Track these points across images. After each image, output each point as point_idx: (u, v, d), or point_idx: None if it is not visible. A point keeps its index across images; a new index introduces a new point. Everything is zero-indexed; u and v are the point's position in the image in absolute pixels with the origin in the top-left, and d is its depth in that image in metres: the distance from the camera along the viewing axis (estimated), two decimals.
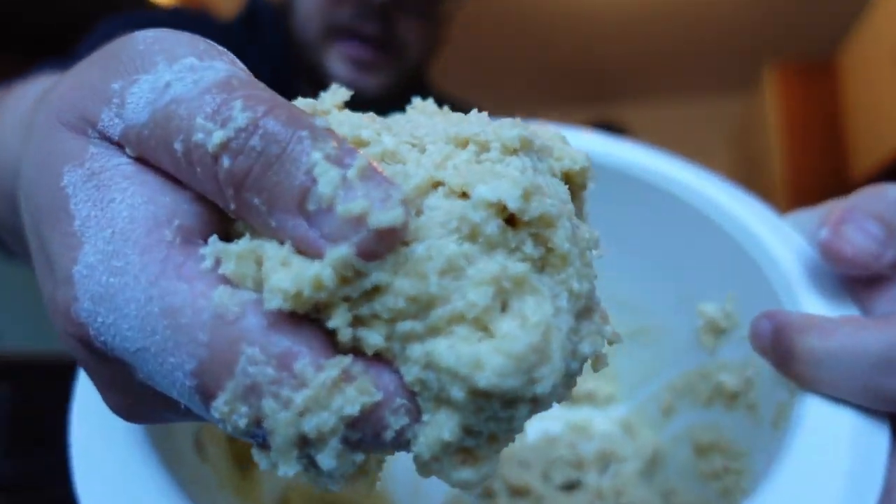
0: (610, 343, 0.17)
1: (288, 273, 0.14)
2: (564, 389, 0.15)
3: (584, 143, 0.31)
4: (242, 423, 0.14)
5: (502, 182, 0.15)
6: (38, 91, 0.29)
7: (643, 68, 3.48)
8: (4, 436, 1.56)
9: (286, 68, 0.61)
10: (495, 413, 0.14)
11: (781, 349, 0.20)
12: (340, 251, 0.13)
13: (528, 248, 0.15)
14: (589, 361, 0.16)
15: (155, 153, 0.15)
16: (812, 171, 2.66)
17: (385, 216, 0.14)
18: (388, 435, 0.14)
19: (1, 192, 0.33)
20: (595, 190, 0.21)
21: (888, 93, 2.23)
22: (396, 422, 0.14)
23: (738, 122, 3.65)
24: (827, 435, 0.19)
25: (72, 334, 0.16)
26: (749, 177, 3.22)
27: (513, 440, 0.16)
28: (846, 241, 0.20)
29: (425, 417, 0.14)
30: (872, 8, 2.38)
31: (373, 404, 0.14)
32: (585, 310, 0.16)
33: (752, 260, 0.26)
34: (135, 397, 0.17)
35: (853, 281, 0.21)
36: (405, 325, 0.14)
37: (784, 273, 0.24)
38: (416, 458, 0.15)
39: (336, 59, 0.56)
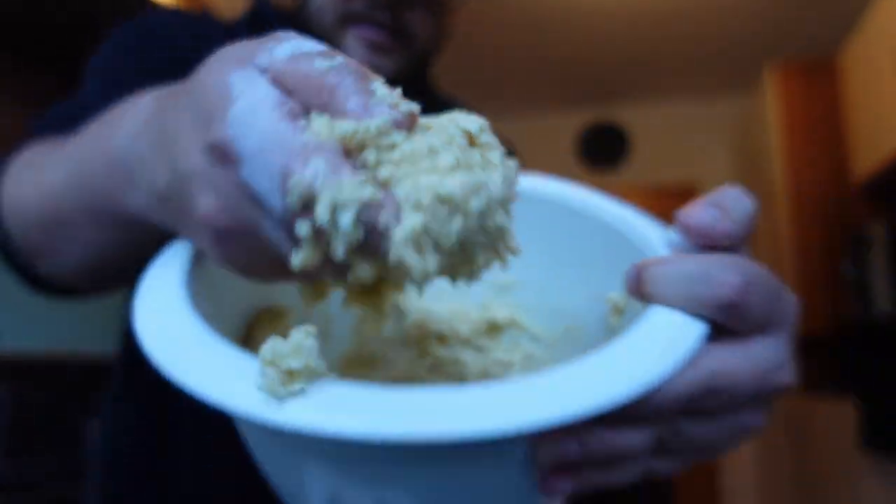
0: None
1: (349, 124, 0.25)
2: (493, 232, 0.25)
3: None
4: (296, 199, 0.24)
5: (472, 118, 0.27)
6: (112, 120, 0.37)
7: (643, 68, 3.48)
8: (4, 436, 1.56)
9: None
10: (448, 221, 0.24)
11: (635, 279, 0.29)
12: (384, 117, 0.25)
13: (476, 156, 0.26)
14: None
15: (283, 78, 0.26)
16: (813, 171, 2.66)
17: (408, 105, 0.26)
18: (382, 219, 0.23)
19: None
20: (524, 217, 0.30)
21: (889, 93, 2.23)
22: (387, 216, 0.23)
23: (739, 121, 3.64)
24: (657, 325, 0.27)
25: (216, 153, 0.26)
26: (749, 176, 3.22)
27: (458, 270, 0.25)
28: (692, 217, 0.29)
29: (404, 216, 0.24)
30: (873, 8, 2.38)
31: (376, 199, 0.24)
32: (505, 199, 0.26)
33: (638, 249, 0.33)
34: (236, 215, 0.26)
35: (702, 249, 0.30)
36: (405, 167, 0.24)
37: (655, 250, 0.32)
38: (393, 245, 0.23)
39: (352, 41, 0.60)
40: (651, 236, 0.34)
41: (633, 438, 0.27)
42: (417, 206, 0.23)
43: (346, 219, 0.23)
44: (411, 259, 0.23)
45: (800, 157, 2.68)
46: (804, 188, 2.65)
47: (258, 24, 0.66)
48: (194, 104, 0.27)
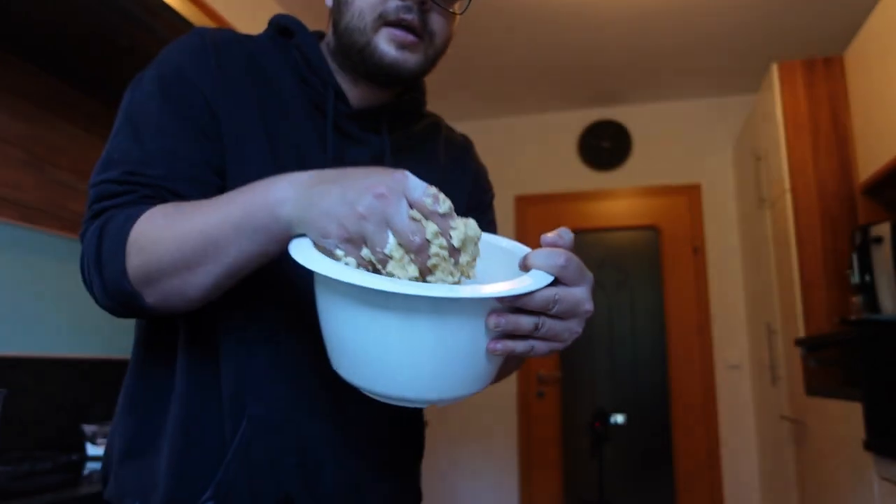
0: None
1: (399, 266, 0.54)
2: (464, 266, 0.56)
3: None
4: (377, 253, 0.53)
5: (456, 233, 0.54)
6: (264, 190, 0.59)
7: (647, 68, 3.47)
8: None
9: (314, 79, 0.78)
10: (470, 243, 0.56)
11: (523, 261, 0.57)
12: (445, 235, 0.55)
13: (465, 257, 0.56)
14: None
15: (415, 205, 0.55)
16: (818, 170, 2.64)
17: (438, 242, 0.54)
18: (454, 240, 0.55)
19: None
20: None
21: (895, 93, 2.22)
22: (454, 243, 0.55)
23: (743, 121, 3.63)
24: (533, 275, 0.55)
25: (381, 198, 0.52)
26: (755, 175, 3.20)
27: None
28: (547, 238, 0.57)
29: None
30: (880, 6, 2.36)
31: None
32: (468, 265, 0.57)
33: (518, 255, 0.60)
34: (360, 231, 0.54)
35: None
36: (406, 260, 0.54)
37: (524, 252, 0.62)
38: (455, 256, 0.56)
39: (384, 40, 0.75)
40: (525, 249, 0.63)
41: (525, 320, 0.55)
42: (461, 241, 0.55)
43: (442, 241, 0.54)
44: (463, 257, 0.56)
45: (805, 156, 2.67)
46: (809, 188, 2.64)
47: (281, 38, 0.81)
48: (359, 181, 0.54)
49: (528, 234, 3.95)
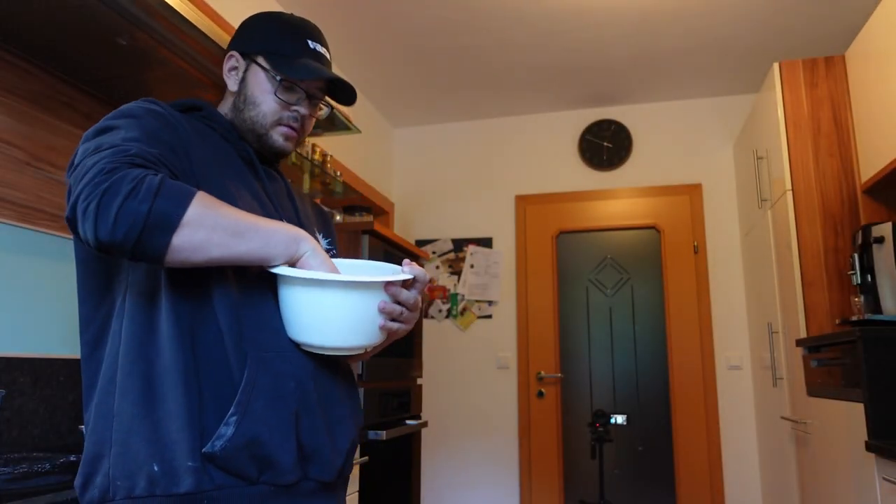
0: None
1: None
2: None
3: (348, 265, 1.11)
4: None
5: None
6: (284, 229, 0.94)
7: (647, 68, 3.46)
8: None
9: (234, 140, 1.13)
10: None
11: (403, 267, 1.03)
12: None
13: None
14: None
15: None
16: (819, 170, 2.64)
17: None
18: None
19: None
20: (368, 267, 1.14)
21: None
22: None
23: (746, 119, 3.62)
24: (404, 272, 1.00)
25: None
26: (756, 174, 3.20)
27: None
28: (409, 264, 1.02)
29: None
30: (881, 6, 2.36)
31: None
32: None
33: (396, 271, 1.05)
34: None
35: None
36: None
37: (399, 270, 1.04)
38: None
39: (277, 134, 1.13)
40: (396, 268, 1.04)
41: (397, 307, 0.97)
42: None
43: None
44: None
45: (806, 156, 2.66)
46: (810, 187, 2.63)
47: (196, 109, 1.12)
48: (314, 248, 0.95)
49: (528, 234, 3.95)
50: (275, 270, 0.90)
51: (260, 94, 1.11)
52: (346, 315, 0.93)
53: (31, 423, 1.63)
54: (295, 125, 1.13)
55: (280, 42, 1.12)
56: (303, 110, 1.14)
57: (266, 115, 1.11)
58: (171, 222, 0.81)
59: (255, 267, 0.97)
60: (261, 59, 1.11)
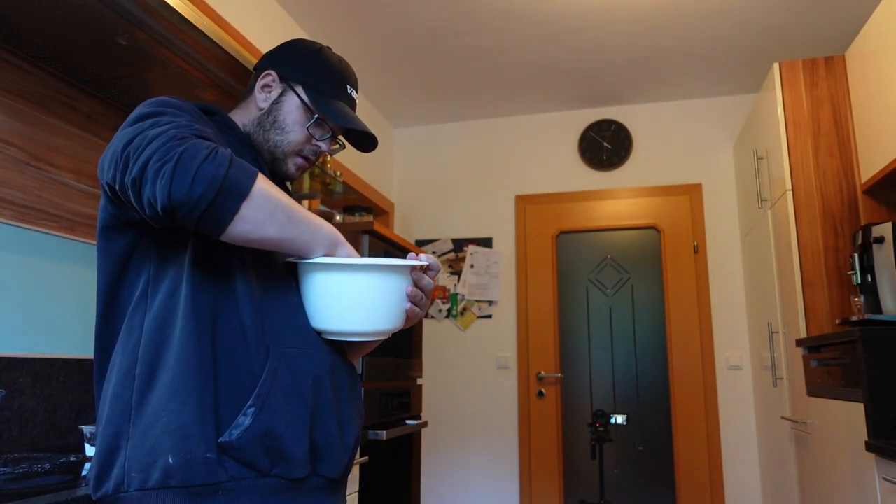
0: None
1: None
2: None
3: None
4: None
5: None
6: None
7: (648, 68, 3.46)
8: None
9: (246, 145, 1.16)
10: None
11: (414, 256, 1.06)
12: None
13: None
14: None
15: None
16: (819, 170, 2.64)
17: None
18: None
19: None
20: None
21: None
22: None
23: (746, 119, 3.61)
24: (420, 259, 1.05)
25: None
26: (756, 174, 3.19)
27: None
28: (422, 256, 1.05)
29: None
30: (881, 6, 2.35)
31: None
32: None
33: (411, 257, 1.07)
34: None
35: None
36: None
37: (413, 258, 1.07)
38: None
39: (292, 163, 1.17)
40: (408, 258, 1.05)
41: (419, 292, 1.04)
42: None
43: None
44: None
45: (806, 156, 2.66)
46: (810, 187, 2.63)
47: (210, 113, 1.14)
48: (333, 237, 0.98)
49: (528, 234, 3.95)
50: (315, 260, 0.95)
51: (292, 122, 1.14)
52: (379, 298, 0.98)
53: (31, 423, 1.63)
54: (312, 158, 1.18)
55: (321, 79, 1.14)
56: (324, 147, 1.18)
57: (291, 143, 1.14)
58: (244, 190, 0.85)
59: (278, 260, 1.03)
60: (300, 90, 1.13)
